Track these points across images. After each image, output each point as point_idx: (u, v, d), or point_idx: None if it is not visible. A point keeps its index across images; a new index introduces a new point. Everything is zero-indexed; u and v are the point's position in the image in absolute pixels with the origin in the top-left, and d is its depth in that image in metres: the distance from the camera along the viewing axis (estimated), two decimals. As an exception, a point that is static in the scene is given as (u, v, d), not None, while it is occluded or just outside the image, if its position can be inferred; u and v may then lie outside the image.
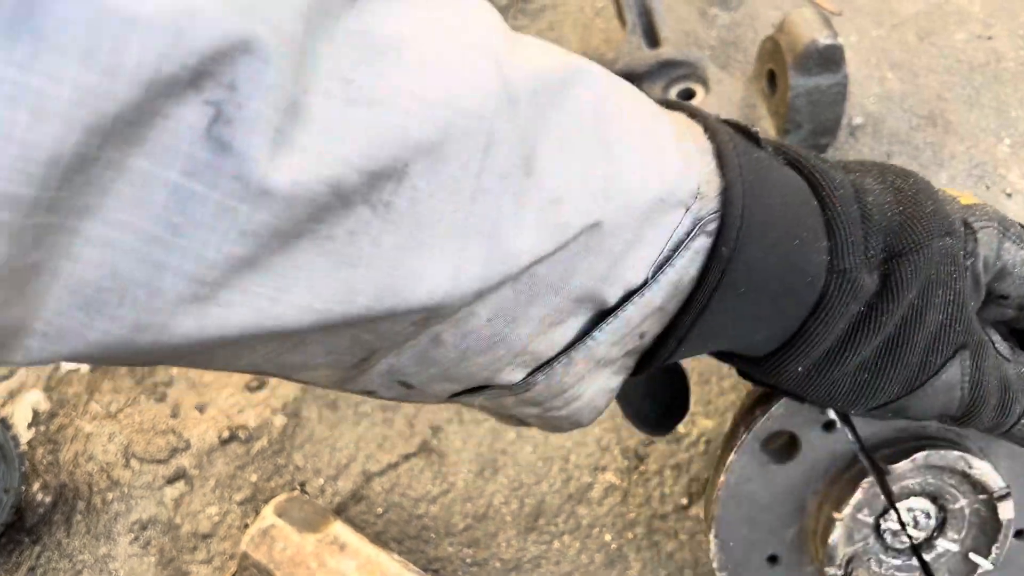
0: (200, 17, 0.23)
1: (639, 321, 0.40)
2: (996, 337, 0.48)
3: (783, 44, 0.82)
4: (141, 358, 0.29)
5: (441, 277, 0.32)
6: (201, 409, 0.97)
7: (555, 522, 0.81)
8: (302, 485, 0.90)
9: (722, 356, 0.47)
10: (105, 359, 0.28)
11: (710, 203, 0.38)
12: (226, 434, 0.94)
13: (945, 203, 0.45)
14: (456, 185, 0.31)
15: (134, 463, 0.96)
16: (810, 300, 0.41)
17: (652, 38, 0.99)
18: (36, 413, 1.03)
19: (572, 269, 0.36)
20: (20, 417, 1.02)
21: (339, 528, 0.76)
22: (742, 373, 0.49)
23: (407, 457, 0.88)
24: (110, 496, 0.95)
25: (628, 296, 0.39)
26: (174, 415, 0.97)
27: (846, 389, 0.44)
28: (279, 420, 0.93)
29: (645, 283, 0.38)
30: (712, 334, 0.42)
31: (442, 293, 0.32)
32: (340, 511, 0.87)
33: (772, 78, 0.86)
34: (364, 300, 0.30)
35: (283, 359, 0.33)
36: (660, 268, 0.38)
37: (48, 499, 0.97)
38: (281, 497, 0.84)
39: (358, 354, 0.35)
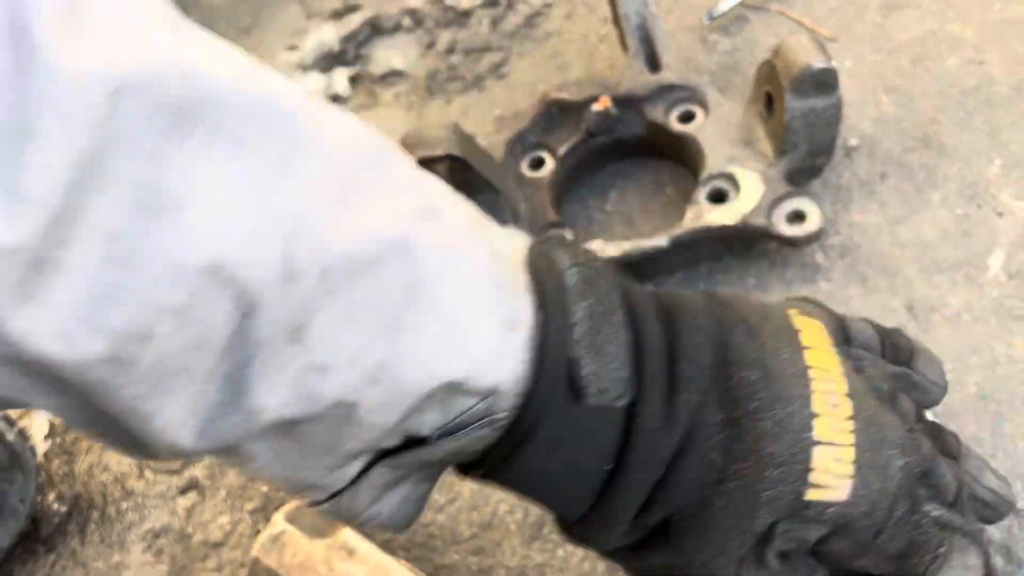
0: None
1: (418, 465, 0.40)
2: None
3: (779, 68, 0.85)
4: None
5: (179, 413, 0.32)
6: (213, 421, 0.99)
7: (559, 531, 0.82)
8: (312, 495, 0.92)
9: None
10: None
11: (506, 400, 0.38)
12: (238, 446, 0.96)
13: (770, 504, 0.40)
14: (207, 342, 0.31)
15: (148, 474, 0.98)
16: (595, 490, 0.41)
17: (654, 63, 1.02)
18: (52, 425, 1.05)
19: (338, 436, 0.36)
20: (37, 429, 1.05)
21: (348, 534, 0.78)
22: None
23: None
24: (124, 506, 0.97)
25: (409, 444, 0.39)
26: (187, 427, 1.00)
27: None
28: (289, 432, 0.96)
29: (426, 440, 0.38)
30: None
31: (177, 427, 0.33)
32: (349, 520, 0.89)
33: (769, 101, 0.89)
34: (104, 430, 0.32)
35: None
36: (442, 436, 0.38)
37: (63, 509, 0.99)
38: (291, 504, 0.86)
39: None
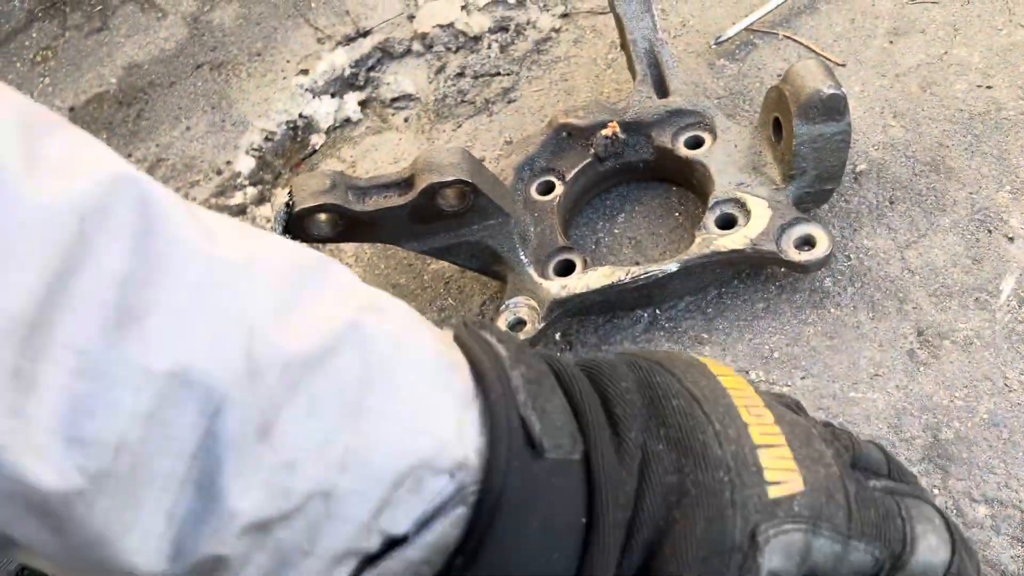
0: None
1: (404, 570, 0.39)
2: None
3: (787, 93, 0.85)
4: None
5: (155, 524, 0.33)
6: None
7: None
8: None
9: None
10: None
11: (474, 474, 0.38)
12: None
13: (737, 506, 0.41)
14: (177, 445, 0.32)
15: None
16: (577, 546, 0.40)
17: (662, 88, 1.03)
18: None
19: (316, 533, 0.36)
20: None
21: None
22: None
23: None
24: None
25: (389, 546, 0.38)
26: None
27: None
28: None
29: (406, 538, 0.38)
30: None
31: (153, 546, 0.33)
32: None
33: (777, 126, 0.90)
34: (80, 554, 0.32)
35: None
36: (420, 529, 0.38)
37: None
38: None
39: None
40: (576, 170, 1.01)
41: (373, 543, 0.38)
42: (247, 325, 0.34)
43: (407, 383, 0.38)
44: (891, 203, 0.95)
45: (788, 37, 1.13)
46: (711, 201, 0.91)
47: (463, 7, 1.33)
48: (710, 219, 0.90)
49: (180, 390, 0.32)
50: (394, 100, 1.28)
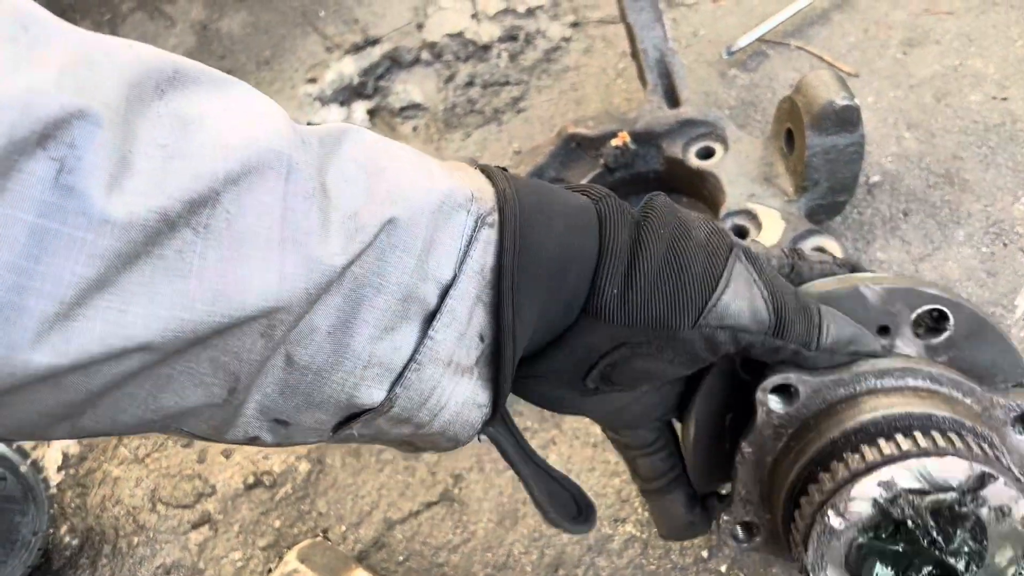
0: (42, 95, 0.31)
1: (466, 316, 0.46)
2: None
3: (800, 104, 0.84)
4: (24, 391, 0.34)
5: (268, 282, 0.38)
6: (227, 455, 0.98)
7: (575, 573, 0.81)
8: (324, 532, 0.90)
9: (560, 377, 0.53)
10: None
11: (486, 204, 0.46)
12: (251, 480, 0.96)
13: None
14: (265, 207, 0.38)
15: (160, 507, 0.97)
16: (592, 222, 0.49)
17: (672, 98, 1.02)
18: (66, 456, 1.05)
19: (384, 265, 0.42)
20: (51, 460, 1.04)
21: (361, 575, 0.77)
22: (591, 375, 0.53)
23: (428, 505, 0.89)
24: (136, 540, 0.96)
25: (445, 293, 0.45)
26: (200, 460, 0.99)
27: (662, 300, 0.49)
28: (303, 466, 0.95)
29: (455, 278, 0.45)
30: (534, 289, 0.47)
31: (272, 295, 0.38)
32: (362, 558, 0.87)
33: (790, 137, 0.89)
34: (201, 306, 0.36)
35: (160, 402, 0.39)
36: (462, 261, 0.45)
37: (75, 542, 0.98)
38: (304, 543, 0.85)
39: (224, 383, 0.40)
40: (586, 180, 1.00)
41: (430, 293, 0.44)
42: (281, 115, 0.40)
43: (402, 154, 0.46)
44: (905, 215, 0.94)
45: (800, 47, 1.12)
46: (722, 212, 0.90)
47: (473, 16, 1.33)
48: (721, 231, 0.89)
49: (259, 154, 0.37)
50: (403, 109, 1.28)
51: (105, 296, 0.34)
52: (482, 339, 0.47)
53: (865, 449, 0.52)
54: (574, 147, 1.01)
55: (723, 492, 0.65)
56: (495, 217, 0.46)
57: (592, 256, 0.49)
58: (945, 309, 0.57)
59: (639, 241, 0.49)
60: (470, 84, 1.26)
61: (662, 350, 0.51)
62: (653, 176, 1.01)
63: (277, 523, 0.92)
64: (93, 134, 0.33)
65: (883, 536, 0.52)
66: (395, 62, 1.32)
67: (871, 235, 0.93)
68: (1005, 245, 0.88)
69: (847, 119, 0.83)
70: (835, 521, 0.52)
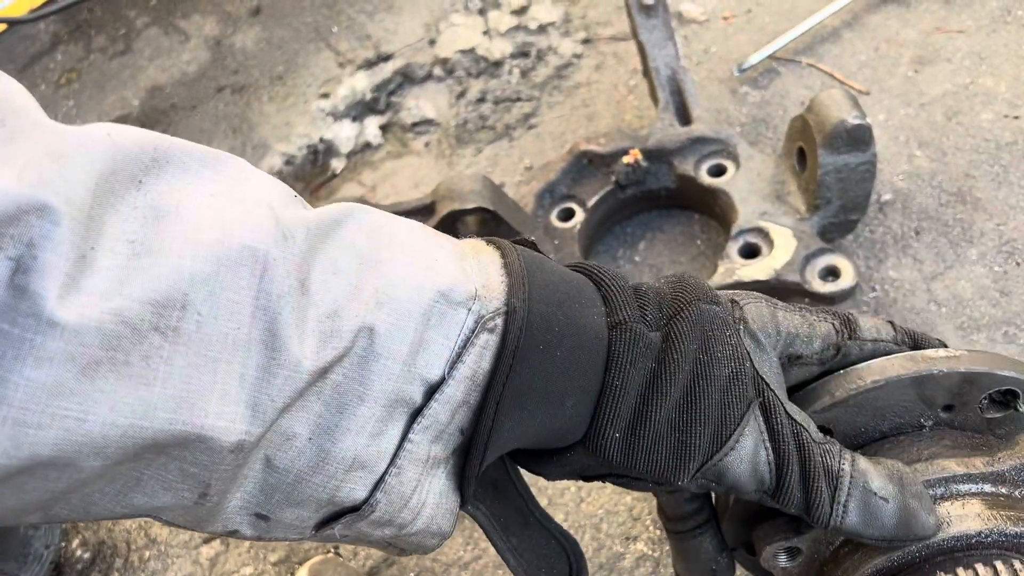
0: (1, 193, 0.31)
1: (448, 418, 0.43)
2: (813, 429, 0.49)
3: (812, 123, 0.85)
4: None
5: (230, 386, 0.36)
6: (238, 469, 0.99)
7: (586, 591, 0.81)
8: (336, 547, 0.91)
9: (552, 465, 0.49)
10: None
11: (490, 303, 0.43)
12: (262, 495, 0.96)
13: (707, 287, 0.50)
14: (236, 306, 0.36)
15: (172, 522, 0.98)
16: (601, 354, 0.46)
17: (684, 115, 1.02)
18: (79, 470, 1.05)
19: (366, 373, 0.40)
20: (63, 474, 1.05)
21: (372, 591, 0.77)
22: (584, 477, 0.50)
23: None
24: (147, 554, 0.96)
25: (431, 393, 0.42)
26: (212, 475, 0.99)
27: (665, 452, 0.47)
28: (314, 482, 0.95)
29: (443, 380, 0.42)
30: (521, 411, 0.44)
31: (230, 410, 0.36)
32: (373, 574, 0.87)
33: (802, 156, 0.89)
34: (163, 414, 0.35)
35: (130, 500, 0.38)
36: (454, 364, 0.42)
37: (87, 555, 0.98)
38: (315, 559, 0.85)
39: (195, 489, 0.39)
40: (597, 197, 1.00)
41: (416, 392, 0.42)
42: (267, 204, 0.39)
43: (407, 240, 0.44)
44: (917, 234, 0.94)
45: (812, 65, 1.13)
46: (734, 230, 0.91)
47: (485, 32, 1.34)
48: (733, 248, 0.89)
49: (231, 252, 0.36)
50: (415, 125, 1.28)
51: (61, 402, 0.33)
52: (462, 433, 0.45)
53: (958, 569, 0.47)
54: (586, 164, 1.02)
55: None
56: (498, 323, 0.43)
57: (593, 392, 0.46)
58: (1018, 390, 0.52)
59: (653, 381, 0.46)
60: (482, 100, 1.27)
61: (658, 484, 0.49)
62: (665, 193, 1.02)
63: (288, 538, 0.93)
64: (50, 232, 0.32)
65: None
66: (407, 78, 1.33)
67: (883, 253, 0.93)
68: (1018, 264, 0.88)
69: (859, 138, 0.83)
70: None
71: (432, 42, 1.36)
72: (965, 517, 0.48)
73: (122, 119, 1.46)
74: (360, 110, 1.32)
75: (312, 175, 1.28)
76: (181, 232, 0.36)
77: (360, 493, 0.43)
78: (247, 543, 0.94)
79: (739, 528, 0.59)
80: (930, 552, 0.48)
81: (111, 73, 1.53)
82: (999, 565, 0.46)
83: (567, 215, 1.00)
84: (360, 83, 1.34)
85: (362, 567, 0.88)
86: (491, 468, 0.52)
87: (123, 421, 0.34)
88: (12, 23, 1.59)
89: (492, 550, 0.85)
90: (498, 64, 1.30)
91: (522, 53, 1.29)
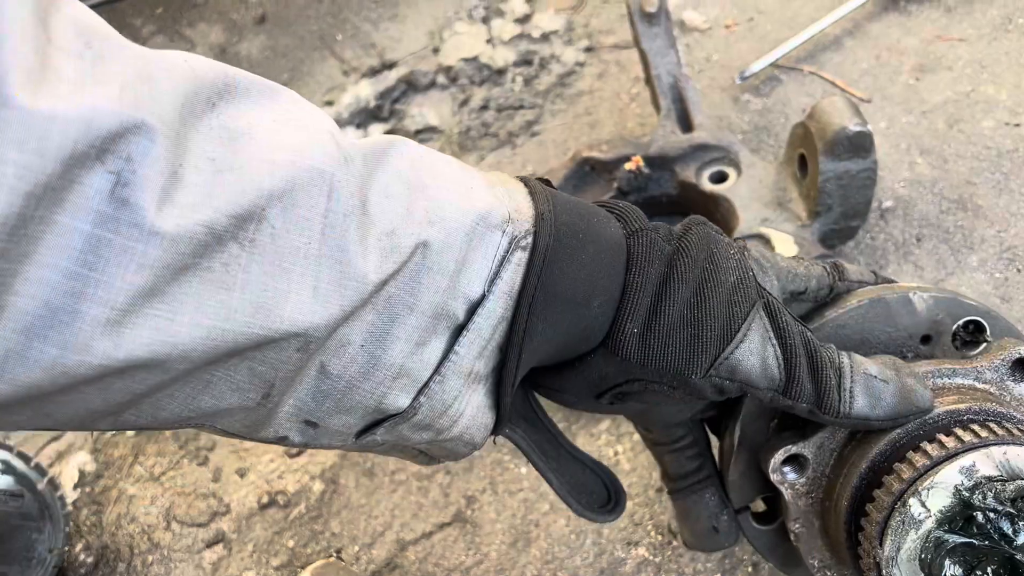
0: (103, 111, 0.33)
1: (490, 332, 0.47)
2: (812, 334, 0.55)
3: (813, 130, 0.85)
4: (73, 391, 0.35)
5: (303, 296, 0.40)
6: (242, 474, 0.99)
7: (587, 596, 0.81)
8: (338, 552, 0.91)
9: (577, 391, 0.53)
10: (39, 389, 0.35)
11: (521, 225, 0.47)
12: (265, 499, 0.96)
13: (714, 226, 0.55)
14: (307, 223, 0.39)
15: (175, 526, 0.98)
16: (622, 257, 0.50)
17: (686, 123, 1.03)
18: (83, 474, 1.06)
19: (417, 285, 0.44)
20: (67, 478, 1.05)
21: (374, 595, 0.77)
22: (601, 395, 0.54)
23: (441, 526, 0.89)
24: (150, 559, 0.96)
25: (473, 310, 0.46)
26: (215, 479, 1.00)
27: (679, 346, 0.50)
28: (317, 486, 0.95)
29: (484, 296, 0.46)
30: (552, 312, 0.48)
31: (307, 310, 0.40)
32: (374, 579, 0.88)
33: (803, 162, 0.89)
34: (241, 317, 0.38)
35: (199, 403, 0.41)
36: (492, 281, 0.46)
37: (90, 559, 0.99)
38: (318, 563, 0.86)
39: (259, 389, 0.42)
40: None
41: (459, 308, 0.46)
42: (328, 131, 0.42)
43: (445, 169, 0.47)
44: (918, 240, 0.94)
45: (813, 73, 1.13)
46: (735, 236, 0.91)
47: (488, 41, 1.34)
48: (734, 255, 0.90)
49: (303, 172, 0.39)
50: (418, 132, 1.29)
51: (155, 304, 0.35)
52: (501, 351, 0.49)
53: (943, 438, 0.52)
54: (588, 170, 1.02)
55: (759, 509, 0.64)
56: (529, 241, 0.47)
57: (616, 293, 0.50)
58: (983, 321, 0.58)
59: (666, 281, 0.50)
60: (485, 108, 1.28)
61: (673, 389, 0.52)
62: (666, 200, 1.02)
63: (291, 543, 0.93)
64: (148, 148, 0.34)
65: (956, 529, 0.51)
66: (411, 86, 1.34)
67: (884, 260, 0.93)
68: (1019, 271, 0.89)
69: (860, 145, 0.83)
70: (917, 510, 0.51)
71: (436, 50, 1.36)
72: (955, 401, 0.54)
73: (128, 126, 1.47)
74: (364, 118, 1.33)
75: (316, 182, 1.29)
76: (256, 152, 0.38)
77: (403, 401, 0.46)
78: (249, 548, 0.94)
79: (744, 485, 0.62)
80: (925, 427, 0.54)
81: (117, 81, 1.54)
82: (993, 425, 0.52)
83: (569, 221, 1.01)
84: (364, 91, 1.35)
85: (364, 571, 0.88)
86: (520, 402, 0.57)
87: (207, 322, 0.37)
88: (19, 31, 1.61)
89: (493, 555, 0.86)
90: (501, 72, 1.30)
91: (525, 61, 1.30)
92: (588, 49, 1.29)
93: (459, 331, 0.46)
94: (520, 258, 0.47)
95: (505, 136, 1.23)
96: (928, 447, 0.52)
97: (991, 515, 0.50)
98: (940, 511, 0.51)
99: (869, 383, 0.53)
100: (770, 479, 0.57)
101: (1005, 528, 0.50)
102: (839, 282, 0.59)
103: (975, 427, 0.52)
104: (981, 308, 0.58)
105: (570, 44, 1.30)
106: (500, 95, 1.28)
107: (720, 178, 0.98)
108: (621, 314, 0.50)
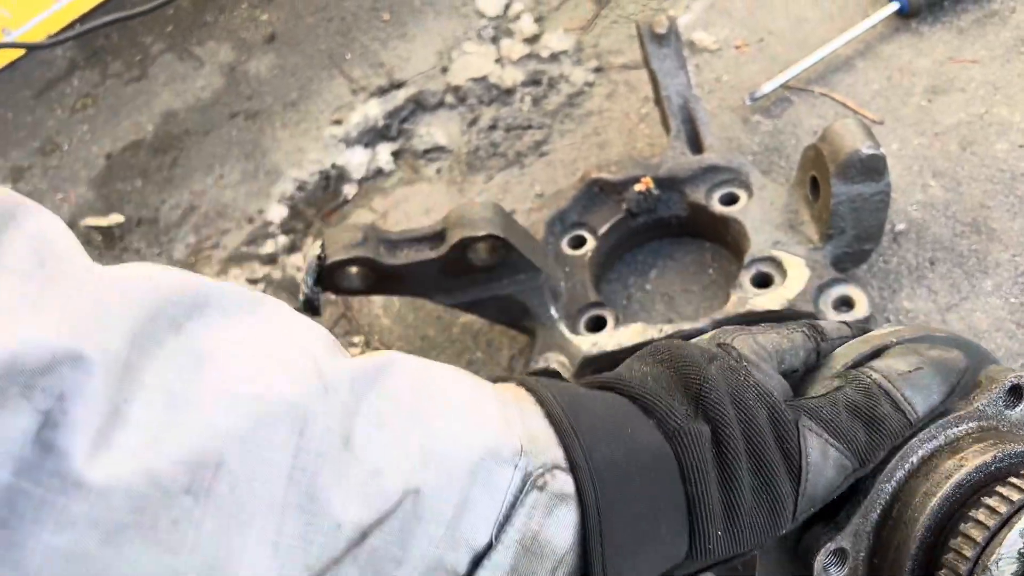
0: (32, 341, 0.29)
1: None
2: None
3: (825, 152, 0.84)
4: None
5: (261, 553, 0.34)
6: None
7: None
8: None
9: None
10: None
11: (538, 458, 0.41)
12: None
13: (695, 347, 0.51)
14: (273, 466, 0.34)
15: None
16: (674, 468, 0.44)
17: (696, 144, 1.02)
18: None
19: (408, 537, 0.37)
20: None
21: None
22: None
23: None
24: None
25: (477, 561, 0.39)
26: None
27: (763, 522, 0.46)
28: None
29: (490, 546, 0.39)
30: (625, 563, 0.42)
31: (263, 569, 0.34)
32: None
33: (815, 185, 0.88)
34: None
35: None
36: (502, 528, 0.39)
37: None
38: None
39: None
40: (608, 225, 1.00)
41: (460, 560, 0.39)
42: (311, 354, 0.37)
43: (452, 390, 0.42)
44: (932, 264, 0.93)
45: (825, 94, 1.13)
46: (747, 259, 0.90)
47: (497, 61, 1.34)
48: (745, 277, 0.89)
49: (268, 407, 0.34)
50: (426, 151, 1.29)
51: (80, 569, 0.30)
52: None
53: (990, 502, 0.48)
54: (597, 191, 1.02)
55: None
56: (547, 480, 0.40)
57: (682, 508, 0.44)
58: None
59: (723, 469, 0.45)
60: (493, 127, 1.27)
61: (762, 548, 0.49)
62: (676, 222, 1.01)
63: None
64: (83, 384, 0.30)
65: None
66: (419, 105, 1.34)
67: (897, 284, 0.92)
68: (1034, 296, 0.87)
69: (873, 168, 0.83)
70: None
71: (444, 70, 1.36)
72: (975, 452, 0.51)
73: (136, 144, 1.47)
74: (372, 137, 1.32)
75: (324, 201, 1.28)
76: (219, 382, 0.34)
77: None
78: None
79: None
80: (962, 492, 0.50)
81: (126, 98, 1.54)
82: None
83: (578, 243, 1.00)
84: (373, 110, 1.35)
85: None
86: None
87: None
88: (30, 48, 1.61)
89: None
90: (510, 92, 1.30)
91: (534, 81, 1.30)
92: (597, 69, 1.28)
93: None
94: (536, 500, 0.40)
95: (514, 156, 1.23)
96: (980, 515, 0.48)
97: None
98: None
99: (910, 380, 0.50)
100: None
101: None
102: (822, 343, 0.56)
103: (1015, 480, 0.49)
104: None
105: (579, 64, 1.30)
106: (509, 115, 1.28)
107: (731, 200, 0.97)
108: (699, 527, 0.44)
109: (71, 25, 1.63)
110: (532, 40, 1.35)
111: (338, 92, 1.41)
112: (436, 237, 0.88)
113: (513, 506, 0.40)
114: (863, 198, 0.84)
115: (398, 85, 1.37)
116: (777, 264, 0.88)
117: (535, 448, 0.41)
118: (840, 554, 0.53)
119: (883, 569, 0.53)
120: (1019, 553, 0.48)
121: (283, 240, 1.25)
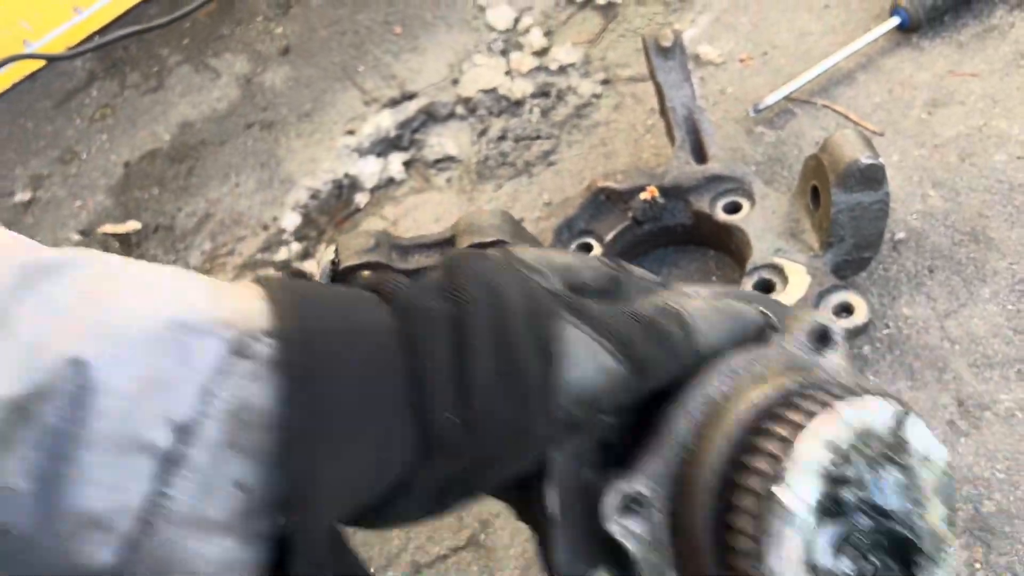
0: None
1: (209, 463, 0.37)
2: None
3: (826, 163, 0.86)
4: None
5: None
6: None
7: (600, 622, 0.81)
8: (352, 574, 0.92)
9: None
10: None
11: (248, 330, 0.38)
12: (281, 521, 0.97)
13: (476, 250, 0.49)
14: None
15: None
16: (394, 343, 0.42)
17: (700, 154, 1.05)
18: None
19: (83, 412, 0.35)
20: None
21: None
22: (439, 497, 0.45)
23: (456, 550, 0.90)
24: None
25: (186, 437, 0.37)
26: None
27: (508, 412, 0.43)
28: (333, 509, 0.96)
29: (195, 420, 0.37)
30: (331, 446, 0.39)
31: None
32: (388, 601, 0.88)
33: (815, 194, 0.91)
34: None
35: None
36: (207, 401, 0.37)
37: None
38: None
39: None
40: (614, 233, 1.02)
41: (160, 435, 0.36)
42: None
43: (147, 276, 0.40)
44: (930, 272, 0.95)
45: (826, 106, 1.15)
46: (749, 266, 0.92)
47: (506, 73, 1.37)
48: (748, 284, 0.91)
49: None
50: (437, 161, 1.31)
51: None
52: (241, 489, 0.38)
53: (789, 415, 0.45)
54: (603, 200, 1.04)
55: None
56: (261, 349, 0.38)
57: (405, 385, 0.41)
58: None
59: (460, 349, 0.42)
60: (503, 138, 1.30)
61: (520, 452, 0.44)
62: (681, 230, 1.03)
63: None
64: None
65: (832, 517, 0.44)
66: (430, 116, 1.37)
67: (896, 291, 0.94)
68: (1031, 303, 0.89)
69: (872, 177, 0.85)
70: (788, 499, 0.43)
71: (455, 82, 1.39)
72: (774, 387, 0.47)
73: (153, 153, 1.50)
74: (384, 147, 1.35)
75: (336, 209, 1.31)
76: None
77: (103, 556, 0.36)
78: (266, 568, 0.95)
79: (576, 561, 0.50)
80: (759, 413, 0.46)
81: (143, 109, 1.58)
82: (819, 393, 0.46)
83: (585, 250, 1.02)
84: (385, 121, 1.38)
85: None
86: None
87: None
88: (51, 60, 1.65)
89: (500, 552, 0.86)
90: (519, 103, 1.33)
91: (543, 93, 1.33)
92: (605, 81, 1.31)
93: (167, 466, 0.36)
94: (247, 369, 0.38)
95: (522, 166, 1.25)
96: (775, 428, 0.45)
97: (858, 491, 0.44)
98: (815, 498, 0.43)
99: (704, 314, 0.49)
100: (611, 538, 0.47)
101: (876, 499, 0.44)
102: (621, 274, 0.52)
103: (799, 401, 0.46)
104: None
105: (587, 76, 1.33)
106: (518, 126, 1.30)
107: (734, 208, 0.99)
108: (428, 413, 0.41)
109: (90, 37, 1.67)
110: (541, 53, 1.38)
111: (351, 103, 1.44)
112: (446, 243, 0.91)
113: (218, 376, 0.37)
114: (862, 207, 0.86)
115: (410, 96, 1.40)
116: (779, 271, 0.91)
117: (243, 318, 0.39)
118: (636, 502, 0.47)
119: (683, 515, 0.47)
120: (821, 467, 0.43)
121: (297, 247, 1.28)
